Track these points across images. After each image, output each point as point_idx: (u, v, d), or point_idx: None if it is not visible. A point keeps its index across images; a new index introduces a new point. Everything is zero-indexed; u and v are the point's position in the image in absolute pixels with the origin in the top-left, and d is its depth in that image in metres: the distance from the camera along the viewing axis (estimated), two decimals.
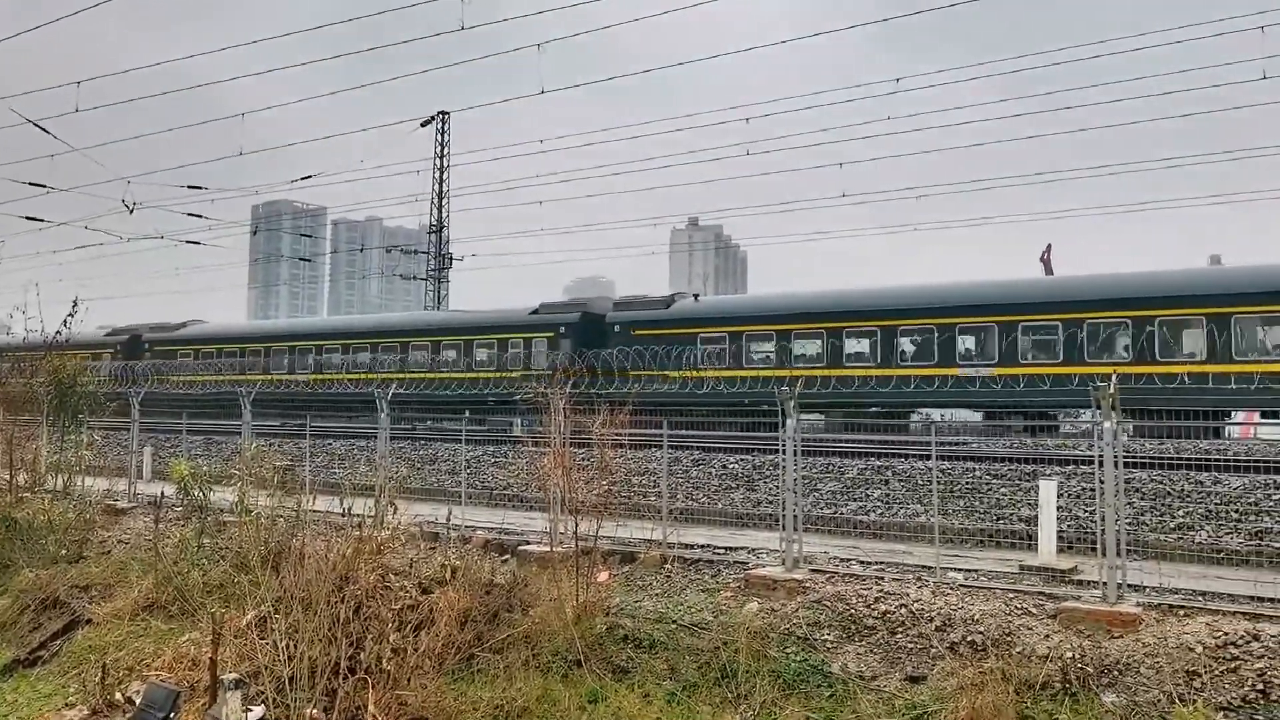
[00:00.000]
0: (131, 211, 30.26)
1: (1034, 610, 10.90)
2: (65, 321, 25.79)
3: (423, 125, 54.34)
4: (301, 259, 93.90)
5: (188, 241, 41.51)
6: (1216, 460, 16.10)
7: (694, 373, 32.21)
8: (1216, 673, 9.42)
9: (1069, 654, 9.97)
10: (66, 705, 13.26)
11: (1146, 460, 16.42)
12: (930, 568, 12.47)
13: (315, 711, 10.89)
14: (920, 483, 16.88)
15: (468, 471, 20.56)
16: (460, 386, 36.65)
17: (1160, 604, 10.67)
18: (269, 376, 41.08)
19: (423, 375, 37.49)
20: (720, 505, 17.85)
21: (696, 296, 36.99)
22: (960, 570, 12.54)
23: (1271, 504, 14.26)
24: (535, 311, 37.97)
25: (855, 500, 17.20)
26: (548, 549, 14.50)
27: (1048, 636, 10.38)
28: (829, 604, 11.83)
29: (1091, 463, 12.30)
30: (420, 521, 15.51)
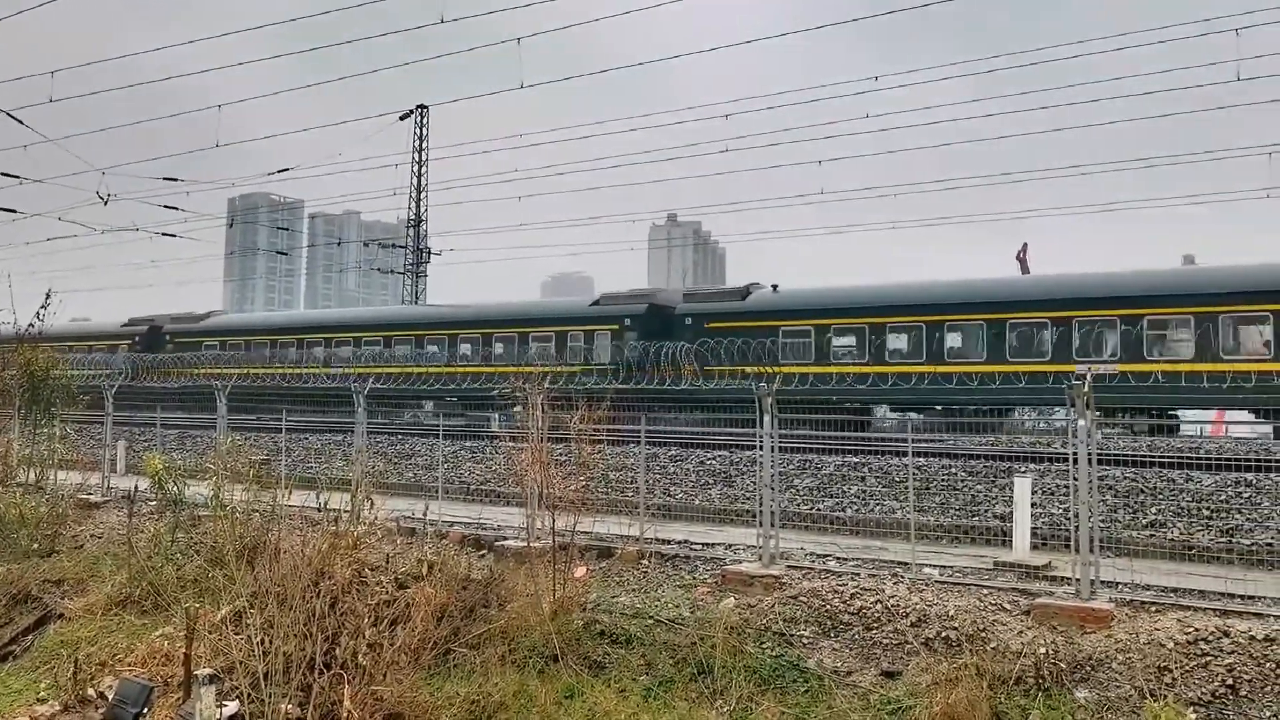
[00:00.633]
0: (106, 203, 29.90)
1: (1008, 606, 10.99)
2: (38, 314, 25.50)
3: (401, 119, 54.16)
4: (278, 252, 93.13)
5: (163, 234, 41.06)
6: (1189, 458, 16.27)
7: (774, 368, 29.33)
8: (1187, 668, 9.53)
9: (1042, 650, 10.05)
10: (38, 700, 13.13)
11: (1120, 457, 16.56)
12: (906, 564, 12.55)
13: (290, 707, 10.83)
14: (896, 479, 16.97)
15: (445, 466, 20.49)
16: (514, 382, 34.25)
17: (1132, 600, 10.77)
18: (301, 369, 39.18)
19: (472, 370, 35.14)
20: (698, 501, 17.89)
21: (775, 287, 34.60)
22: (935, 566, 12.62)
23: (1242, 501, 14.42)
24: (596, 303, 36.27)
25: (832, 496, 17.26)
26: (525, 544, 14.48)
27: (1021, 632, 10.46)
28: (805, 600, 11.88)
29: (1065, 460, 12.41)
30: (397, 516, 15.47)
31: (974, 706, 9.52)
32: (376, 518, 14.08)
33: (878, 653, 10.90)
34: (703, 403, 29.18)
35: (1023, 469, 16.17)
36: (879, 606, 11.39)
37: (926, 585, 11.77)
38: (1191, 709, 9.02)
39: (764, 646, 11.28)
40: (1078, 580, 11.03)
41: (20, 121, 27.20)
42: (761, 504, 13.49)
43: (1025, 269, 44.92)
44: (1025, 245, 46.94)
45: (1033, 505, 13.68)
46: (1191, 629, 9.92)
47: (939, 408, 28.53)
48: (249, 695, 11.00)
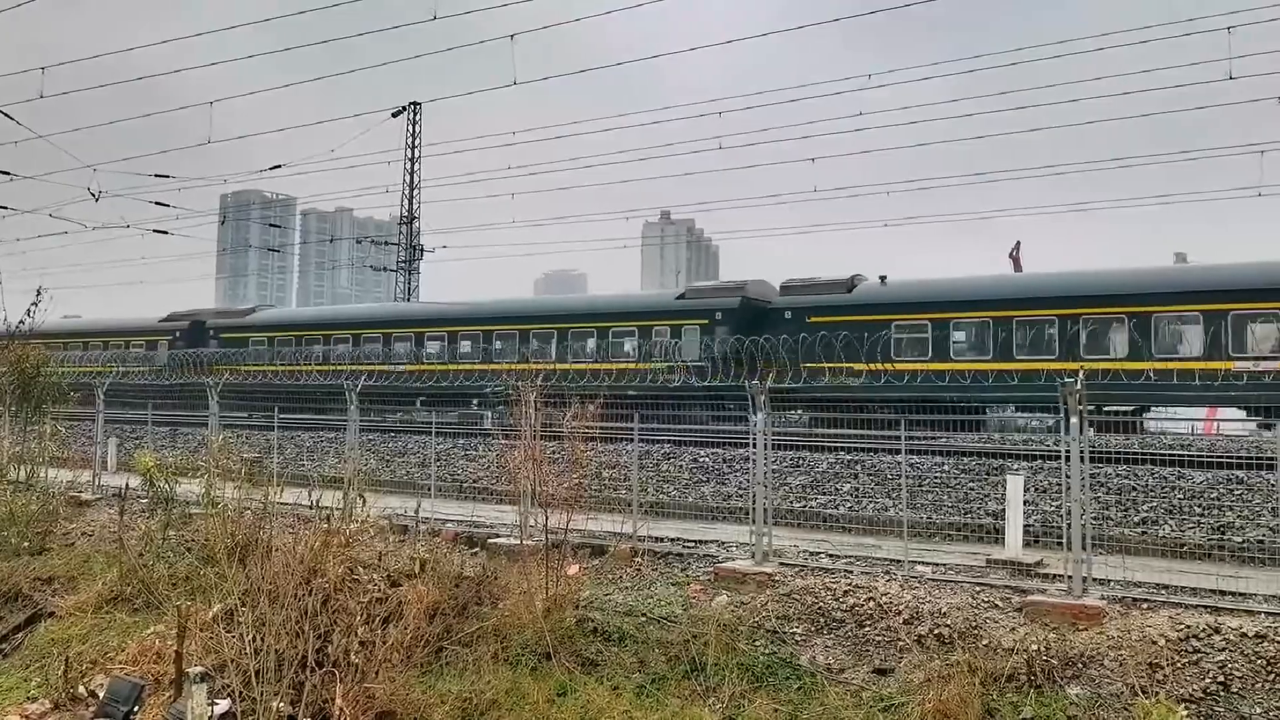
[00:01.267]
0: (97, 199, 29.78)
1: (1000, 604, 11.01)
2: (29, 310, 25.39)
3: (394, 115, 54.03)
4: (270, 249, 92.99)
5: (155, 230, 40.84)
6: (1181, 455, 16.32)
7: (888, 365, 27.66)
8: (1179, 665, 9.56)
9: (1034, 647, 10.06)
10: (28, 699, 13.09)
11: (1113, 455, 16.57)
12: (899, 561, 12.57)
13: (282, 705, 10.80)
14: (889, 477, 16.98)
15: (437, 465, 20.45)
16: (594, 379, 31.01)
17: (1124, 598, 10.81)
18: (359, 367, 36.56)
19: (548, 367, 32.70)
20: (691, 498, 17.90)
21: (883, 279, 32.31)
22: (928, 564, 12.64)
23: (1233, 499, 14.46)
24: (682, 296, 34.44)
25: (825, 494, 17.27)
26: (518, 542, 14.47)
27: (1014, 629, 10.49)
28: (798, 597, 11.89)
29: (1058, 458, 12.43)
30: (390, 513, 15.45)
31: (966, 703, 9.53)
32: (369, 515, 14.06)
33: (870, 650, 10.91)
34: (819, 401, 26.55)
35: (1016, 467, 16.20)
36: (872, 604, 11.41)
37: (919, 582, 11.80)
38: (1183, 705, 9.04)
39: (757, 644, 11.29)
40: (1070, 577, 11.05)
41: (10, 117, 27.08)
42: (754, 501, 13.50)
43: (1018, 267, 44.91)
44: (1018, 243, 46.90)
45: (1025, 503, 13.70)
46: (1183, 626, 9.95)
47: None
48: (241, 693, 10.97)
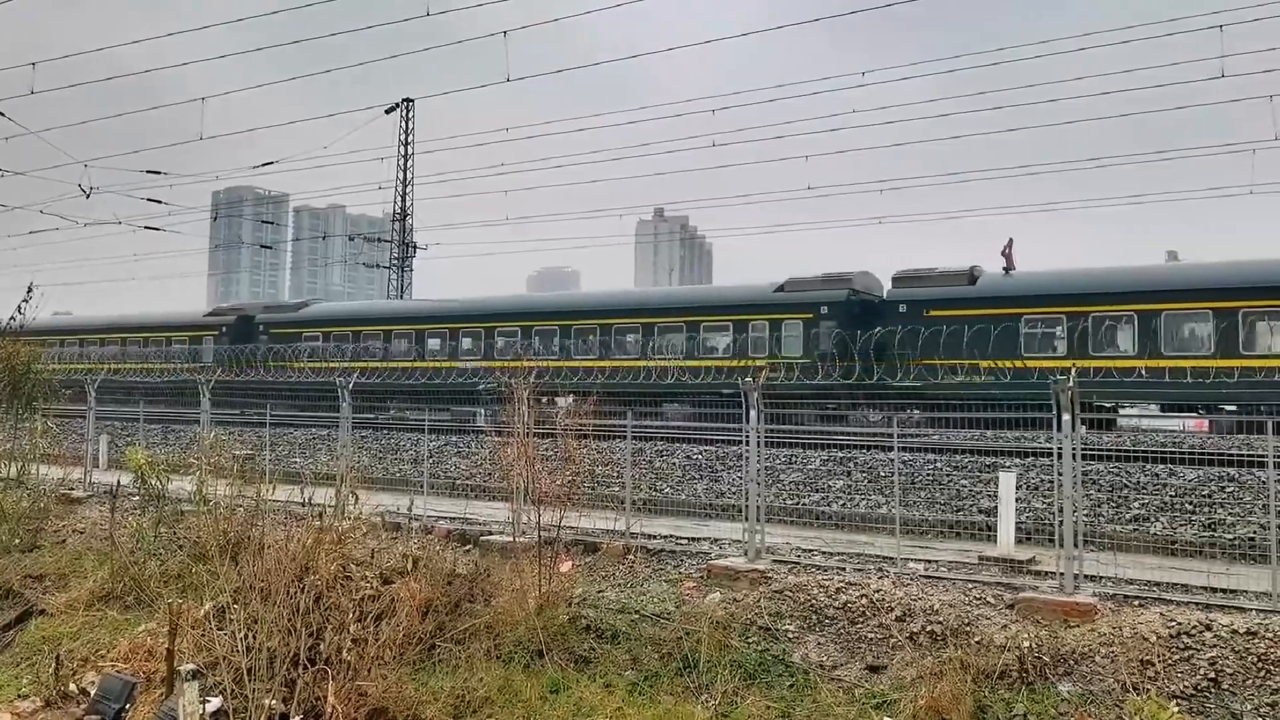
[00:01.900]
0: (88, 196, 29.63)
1: (992, 600, 11.02)
2: (19, 308, 25.28)
3: (387, 112, 53.91)
4: (263, 246, 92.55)
5: (147, 227, 40.62)
6: (1172, 453, 16.35)
7: (1018, 362, 26.08)
8: (1170, 662, 9.58)
9: (1026, 644, 10.09)
10: (19, 697, 13.06)
11: (1105, 452, 16.60)
12: (891, 558, 12.58)
13: (274, 702, 10.79)
14: (882, 474, 17.00)
15: (430, 461, 20.40)
16: (682, 376, 30.73)
17: (1116, 594, 10.83)
18: (418, 364, 36.33)
19: (629, 363, 31.99)
20: (684, 495, 17.90)
21: (1007, 270, 30.60)
22: (921, 561, 12.66)
23: (1224, 496, 14.50)
24: (780, 288, 32.22)
25: (818, 491, 17.29)
26: (511, 539, 14.45)
27: (1006, 626, 10.50)
28: (791, 594, 11.89)
29: (1050, 455, 12.45)
30: (382, 511, 15.42)
31: (958, 700, 9.55)
32: (362, 512, 14.05)
33: (863, 647, 10.92)
34: (934, 400, 25.87)
35: (1008, 464, 16.22)
36: (864, 601, 11.41)
37: (911, 580, 11.81)
38: (1174, 702, 9.06)
39: (749, 641, 11.29)
40: (1062, 574, 11.07)
41: (1, 113, 26.95)
42: (747, 498, 13.50)
43: (1010, 264, 44.89)
44: (1010, 240, 46.85)
45: (1017, 500, 13.72)
46: (1174, 623, 9.96)
47: (1232, 407, 24.63)
48: (232, 691, 10.95)
